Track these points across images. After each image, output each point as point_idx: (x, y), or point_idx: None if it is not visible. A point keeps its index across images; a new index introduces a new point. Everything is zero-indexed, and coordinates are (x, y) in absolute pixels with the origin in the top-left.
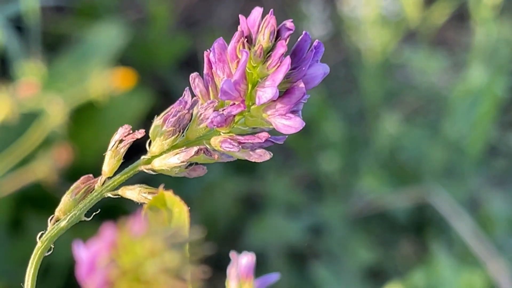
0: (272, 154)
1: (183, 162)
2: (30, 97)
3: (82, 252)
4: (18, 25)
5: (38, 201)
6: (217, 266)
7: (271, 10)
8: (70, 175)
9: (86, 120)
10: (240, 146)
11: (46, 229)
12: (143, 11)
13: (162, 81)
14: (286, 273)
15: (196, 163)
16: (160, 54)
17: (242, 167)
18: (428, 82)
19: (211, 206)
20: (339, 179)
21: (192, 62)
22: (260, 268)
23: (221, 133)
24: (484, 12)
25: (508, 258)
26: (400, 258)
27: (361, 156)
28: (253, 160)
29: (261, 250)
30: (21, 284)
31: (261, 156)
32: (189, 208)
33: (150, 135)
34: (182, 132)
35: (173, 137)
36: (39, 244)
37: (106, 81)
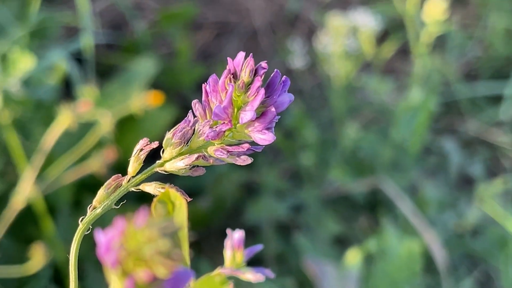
0: (252, 159)
1: (187, 165)
2: (87, 111)
3: (101, 237)
4: (78, 57)
5: (92, 187)
6: (224, 236)
7: (251, 54)
8: (115, 168)
9: (128, 128)
10: (228, 154)
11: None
12: (171, 47)
13: (184, 99)
14: (275, 241)
15: (197, 166)
16: (183, 79)
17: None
18: (380, 100)
19: (220, 191)
20: (314, 171)
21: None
22: (255, 237)
23: (215, 144)
24: (421, 49)
25: (438, 230)
26: (358, 230)
27: (330, 154)
28: (238, 164)
29: (257, 223)
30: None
31: (244, 161)
32: (204, 192)
33: (163, 145)
34: (187, 143)
35: (179, 147)
36: (80, 226)
37: (142, 100)
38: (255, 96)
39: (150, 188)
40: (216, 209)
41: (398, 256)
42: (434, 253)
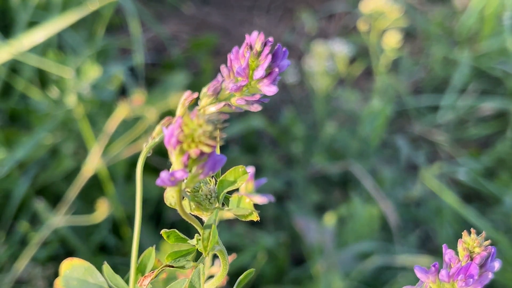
0: (261, 107)
1: (216, 110)
2: (138, 106)
3: (166, 129)
4: (131, 71)
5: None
6: None
7: (262, 31)
8: (158, 149)
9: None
10: (245, 102)
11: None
12: (198, 67)
13: None
14: (272, 207)
15: (224, 112)
16: None
17: (250, 150)
18: (350, 107)
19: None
20: (302, 157)
21: None
22: (257, 204)
23: (236, 95)
24: (381, 69)
25: (391, 200)
26: (333, 200)
27: (314, 145)
28: (252, 110)
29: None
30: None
31: (256, 107)
32: (221, 172)
33: (200, 96)
34: (217, 95)
35: (212, 98)
36: (144, 149)
37: (177, 101)
38: (265, 60)
39: None
40: None
41: (362, 218)
42: (388, 216)
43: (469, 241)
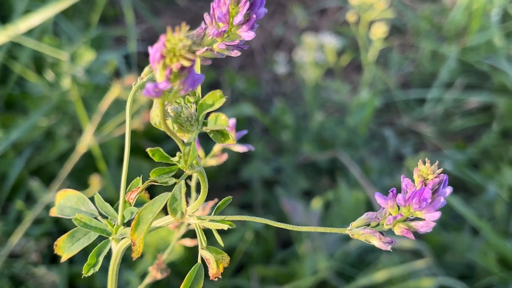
0: (240, 53)
1: (199, 54)
2: (129, 88)
3: (151, 48)
4: (126, 58)
5: (133, 148)
6: (227, 189)
7: None
8: (149, 135)
9: None
10: (226, 46)
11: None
12: None
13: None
14: (262, 192)
15: (207, 58)
16: None
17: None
18: (340, 97)
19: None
20: (291, 145)
21: (215, 85)
22: (247, 189)
23: (218, 41)
24: (368, 61)
25: (377, 189)
26: (321, 187)
27: (303, 134)
28: (232, 55)
29: (249, 179)
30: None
31: (236, 53)
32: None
33: None
34: (201, 41)
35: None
36: (133, 88)
37: None
38: (243, 7)
39: None
40: (220, 169)
41: (348, 203)
42: (374, 203)
43: (424, 170)
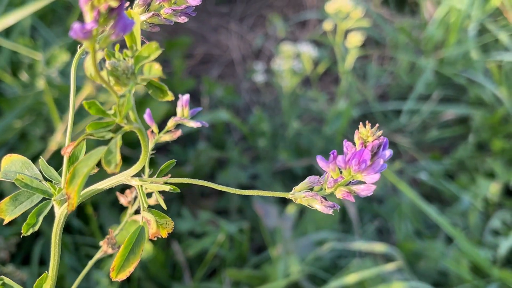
0: (188, 19)
1: (146, 20)
2: (102, 87)
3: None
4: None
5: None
6: (202, 195)
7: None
8: (127, 140)
9: (138, 105)
10: (172, 11)
11: None
12: (171, 67)
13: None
14: (237, 198)
15: (155, 24)
16: (178, 88)
17: (218, 146)
18: (317, 106)
19: (200, 161)
20: (268, 152)
21: (194, 93)
22: (222, 195)
23: (165, 6)
24: (345, 70)
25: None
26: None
27: (280, 141)
28: (179, 21)
29: (225, 185)
30: None
31: (183, 19)
32: (188, 162)
33: (133, 6)
34: (148, 6)
35: (142, 8)
36: (78, 50)
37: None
38: None
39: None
40: (196, 174)
41: None
42: (348, 209)
43: (364, 132)
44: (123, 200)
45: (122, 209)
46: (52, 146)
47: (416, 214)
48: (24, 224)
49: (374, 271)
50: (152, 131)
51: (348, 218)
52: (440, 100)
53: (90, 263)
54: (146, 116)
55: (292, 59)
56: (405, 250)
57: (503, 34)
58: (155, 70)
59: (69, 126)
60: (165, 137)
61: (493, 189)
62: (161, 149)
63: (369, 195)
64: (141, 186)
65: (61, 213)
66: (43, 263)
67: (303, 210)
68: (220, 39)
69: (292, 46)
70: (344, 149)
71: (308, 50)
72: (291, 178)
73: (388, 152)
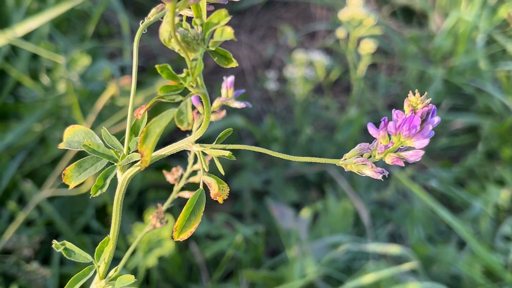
0: None
1: None
2: (125, 89)
3: None
4: (121, 71)
5: None
6: (215, 200)
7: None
8: None
9: (154, 110)
10: None
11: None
12: None
13: None
14: (251, 202)
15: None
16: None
17: (232, 151)
18: (329, 114)
19: (214, 167)
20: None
21: None
22: (237, 199)
23: None
24: (357, 77)
25: (365, 201)
26: (310, 198)
27: (292, 148)
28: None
29: (239, 190)
30: None
31: None
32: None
33: None
34: None
35: None
36: (140, 26)
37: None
38: None
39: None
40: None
41: (336, 212)
42: (361, 213)
43: (414, 99)
44: (169, 177)
45: (140, 212)
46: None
47: (428, 220)
48: (93, 186)
49: (390, 271)
50: (198, 112)
51: (361, 223)
52: (449, 109)
53: (135, 242)
54: (192, 98)
55: (305, 67)
56: (418, 254)
57: (510, 45)
58: (227, 33)
59: (130, 107)
60: (212, 117)
61: (503, 195)
62: (174, 155)
63: (417, 160)
64: (202, 152)
65: (123, 178)
66: (63, 263)
67: (316, 215)
68: (231, 49)
69: (305, 54)
70: (394, 116)
71: (320, 58)
72: (304, 184)
73: (436, 119)
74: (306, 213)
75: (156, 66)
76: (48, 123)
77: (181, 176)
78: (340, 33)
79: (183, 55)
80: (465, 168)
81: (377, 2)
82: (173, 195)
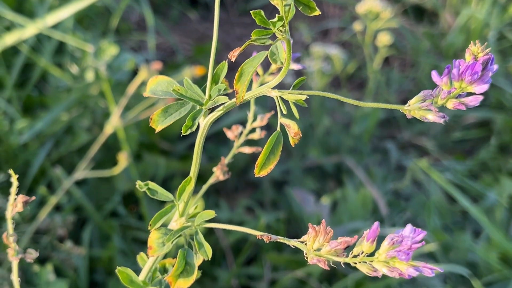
0: None
1: None
2: (158, 70)
3: None
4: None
5: (149, 141)
6: (237, 189)
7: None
8: (165, 135)
9: None
10: None
11: None
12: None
13: None
14: (271, 192)
15: None
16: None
17: (249, 143)
18: (344, 108)
19: (235, 157)
20: (299, 148)
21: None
22: (257, 189)
23: None
24: (373, 70)
25: (380, 189)
26: (328, 189)
27: (310, 138)
28: None
29: (259, 180)
30: None
31: None
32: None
33: None
34: None
35: None
36: None
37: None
38: None
39: None
40: (231, 168)
41: (355, 200)
42: (378, 202)
43: (475, 49)
44: (230, 134)
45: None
46: (108, 129)
47: (444, 210)
48: (183, 126)
49: None
50: (257, 73)
51: (378, 212)
52: None
53: (201, 191)
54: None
55: (321, 61)
56: (436, 240)
57: None
58: None
59: (212, 54)
60: (268, 78)
61: None
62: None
63: (476, 105)
64: (280, 97)
65: (206, 122)
66: (92, 245)
67: (335, 203)
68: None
69: (322, 47)
70: (455, 64)
71: (337, 52)
72: (321, 175)
73: (495, 66)
74: (326, 200)
75: (251, 12)
76: (75, 112)
77: (241, 133)
78: (357, 26)
79: (275, 2)
80: (479, 161)
81: (389, 1)
82: (234, 150)
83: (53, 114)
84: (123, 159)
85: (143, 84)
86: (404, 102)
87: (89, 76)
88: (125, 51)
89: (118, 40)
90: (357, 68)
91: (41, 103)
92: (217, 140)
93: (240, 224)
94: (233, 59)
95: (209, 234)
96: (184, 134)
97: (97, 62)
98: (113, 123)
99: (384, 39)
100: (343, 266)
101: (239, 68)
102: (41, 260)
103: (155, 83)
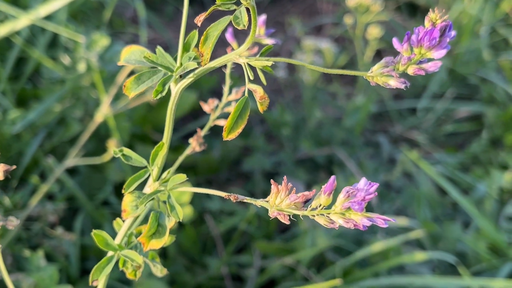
0: None
1: None
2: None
3: None
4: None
5: (141, 132)
6: (228, 180)
7: None
8: (156, 126)
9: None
10: None
11: None
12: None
13: (201, 94)
14: (262, 183)
15: None
16: (203, 84)
17: (243, 135)
18: (336, 101)
19: (227, 148)
20: (291, 141)
21: (217, 90)
22: (249, 180)
23: None
24: (364, 63)
25: (371, 180)
26: (319, 180)
27: (302, 131)
28: None
29: (250, 171)
30: None
31: None
32: (216, 148)
33: None
34: None
35: None
36: None
37: None
38: None
39: None
40: (223, 159)
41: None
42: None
43: (433, 16)
44: (206, 108)
45: None
46: (99, 117)
47: (433, 201)
48: (154, 91)
49: (397, 239)
50: (232, 48)
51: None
52: (453, 98)
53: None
54: (228, 35)
55: (313, 55)
56: (425, 228)
57: None
58: None
59: (183, 23)
60: (245, 53)
61: (507, 177)
62: (187, 137)
63: (435, 71)
64: (247, 63)
65: (177, 89)
66: (84, 233)
67: None
68: (239, 42)
69: (313, 41)
70: (415, 31)
71: (328, 45)
72: (313, 167)
73: (453, 33)
74: (316, 189)
75: None
76: (67, 102)
77: (217, 106)
78: (348, 19)
79: None
80: (470, 154)
81: None
82: (210, 123)
83: (45, 105)
84: (113, 146)
85: (132, 73)
86: (397, 96)
87: (81, 67)
88: (118, 43)
89: (112, 33)
90: (350, 62)
91: (35, 95)
92: (208, 133)
93: (231, 214)
94: (199, 24)
95: (200, 223)
96: (155, 98)
97: (89, 53)
98: (103, 112)
99: (374, 32)
100: (302, 219)
101: (204, 31)
102: (32, 247)
103: (129, 53)
